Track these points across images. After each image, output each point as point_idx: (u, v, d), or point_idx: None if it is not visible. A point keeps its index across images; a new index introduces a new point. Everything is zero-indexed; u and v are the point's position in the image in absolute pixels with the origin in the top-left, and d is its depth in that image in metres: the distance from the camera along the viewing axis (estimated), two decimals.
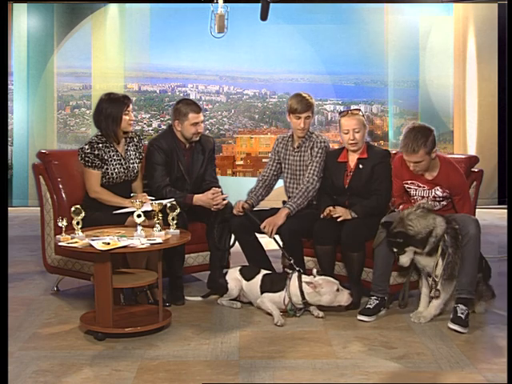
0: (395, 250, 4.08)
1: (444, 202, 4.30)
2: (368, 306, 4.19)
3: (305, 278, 4.24)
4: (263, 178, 4.91)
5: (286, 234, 4.53)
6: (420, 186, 4.30)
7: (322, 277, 4.22)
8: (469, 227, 4.06)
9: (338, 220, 4.39)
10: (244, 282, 4.40)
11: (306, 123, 4.71)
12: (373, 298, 4.21)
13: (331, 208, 4.42)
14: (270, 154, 4.97)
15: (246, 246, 4.68)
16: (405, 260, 4.08)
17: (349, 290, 4.19)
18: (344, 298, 4.17)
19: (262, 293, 4.32)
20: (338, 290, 4.17)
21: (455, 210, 4.30)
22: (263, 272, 4.42)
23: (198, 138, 4.78)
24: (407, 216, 4.06)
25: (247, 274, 4.43)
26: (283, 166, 4.88)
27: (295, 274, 4.25)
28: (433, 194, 4.28)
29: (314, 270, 4.29)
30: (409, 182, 4.34)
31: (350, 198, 4.47)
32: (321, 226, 4.46)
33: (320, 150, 4.70)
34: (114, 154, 4.52)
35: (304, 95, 4.76)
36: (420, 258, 4.11)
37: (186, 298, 4.55)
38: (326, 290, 4.16)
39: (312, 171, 4.68)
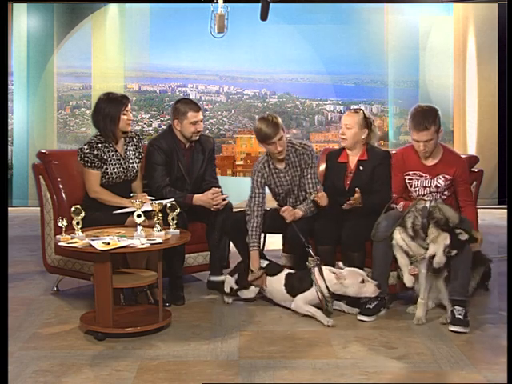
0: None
1: (447, 192, 4.30)
2: (368, 306, 4.18)
3: (330, 268, 4.22)
4: (258, 209, 4.58)
5: (301, 221, 4.48)
6: (422, 176, 4.30)
7: (349, 268, 4.20)
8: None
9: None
10: (267, 278, 4.42)
11: (282, 144, 4.49)
12: (373, 298, 4.20)
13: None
14: (254, 186, 4.62)
15: (239, 244, 4.67)
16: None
17: (375, 282, 4.15)
18: (370, 289, 4.13)
19: (288, 293, 4.30)
20: (363, 281, 4.13)
21: (457, 201, 4.32)
22: (286, 271, 4.42)
23: (197, 137, 4.78)
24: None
25: (271, 270, 4.45)
26: (273, 187, 4.69)
27: (316, 268, 4.24)
28: (435, 183, 4.28)
29: (341, 263, 4.26)
30: (410, 172, 4.33)
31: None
32: (321, 225, 4.46)
33: (313, 159, 4.62)
34: (113, 153, 4.52)
35: (268, 118, 4.48)
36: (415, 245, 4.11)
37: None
38: (349, 281, 4.14)
39: (313, 183, 4.60)
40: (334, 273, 4.15)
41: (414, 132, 4.22)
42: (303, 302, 4.23)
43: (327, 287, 4.17)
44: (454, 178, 4.26)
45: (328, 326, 4.04)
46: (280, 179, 4.66)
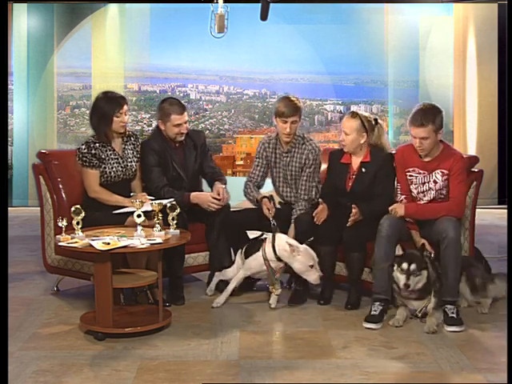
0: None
1: (445, 191, 4.27)
2: (373, 312, 4.08)
3: (289, 240, 4.30)
4: (251, 180, 4.86)
5: (305, 224, 4.51)
6: (420, 173, 4.31)
7: (308, 248, 4.27)
8: (448, 230, 4.06)
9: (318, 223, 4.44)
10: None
11: (292, 128, 4.65)
12: (376, 304, 4.12)
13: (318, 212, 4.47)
14: (256, 158, 4.89)
15: (237, 245, 4.70)
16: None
17: (321, 273, 4.24)
18: (313, 276, 4.24)
19: (245, 258, 4.48)
20: (312, 266, 4.22)
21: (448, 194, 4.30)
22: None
23: (182, 138, 4.74)
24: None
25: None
26: (273, 169, 4.83)
27: (270, 235, 4.35)
28: (433, 178, 4.27)
29: (311, 239, 4.34)
30: (410, 169, 4.33)
31: (353, 201, 4.43)
32: (323, 226, 4.45)
33: (315, 161, 4.69)
34: (111, 153, 4.52)
35: (292, 99, 4.69)
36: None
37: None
38: (300, 258, 4.22)
39: (307, 186, 4.68)
40: (291, 245, 4.22)
41: (411, 127, 4.25)
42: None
43: (275, 252, 4.26)
44: (449, 171, 4.26)
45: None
46: (280, 160, 4.77)
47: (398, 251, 4.12)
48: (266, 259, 4.33)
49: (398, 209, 4.23)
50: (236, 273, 4.54)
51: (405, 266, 4.04)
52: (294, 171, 4.74)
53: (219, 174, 4.87)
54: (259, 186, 4.91)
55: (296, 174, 4.75)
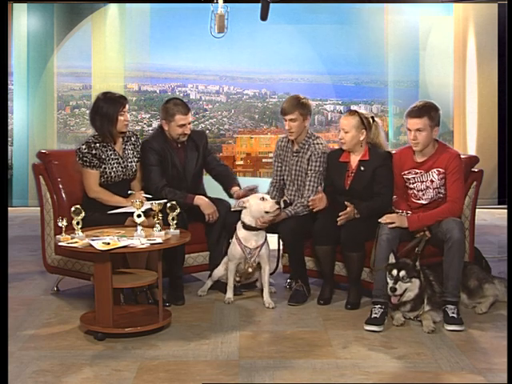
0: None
1: (443, 190, 4.29)
2: (374, 315, 4.05)
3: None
4: (273, 184, 4.91)
5: (288, 234, 4.53)
6: (417, 173, 4.31)
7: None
8: (453, 231, 4.08)
9: (314, 210, 4.49)
10: None
11: (292, 126, 4.64)
12: (377, 306, 4.09)
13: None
14: (273, 157, 4.94)
15: None
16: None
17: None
18: (268, 205, 4.45)
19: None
20: (263, 198, 4.47)
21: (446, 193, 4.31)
22: None
23: (185, 139, 4.75)
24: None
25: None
26: (284, 167, 4.84)
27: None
28: (430, 177, 4.28)
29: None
30: (406, 171, 4.35)
31: (351, 200, 4.44)
32: (320, 226, 4.46)
33: (318, 163, 4.65)
34: (111, 153, 4.52)
35: (300, 97, 4.69)
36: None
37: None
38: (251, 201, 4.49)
39: (311, 186, 4.65)
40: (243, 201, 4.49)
41: (407, 119, 4.29)
42: (231, 259, 4.52)
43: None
44: (445, 170, 4.26)
45: (224, 302, 4.46)
46: (291, 159, 4.77)
47: (391, 259, 4.10)
48: (237, 238, 4.46)
49: (400, 222, 4.21)
50: (223, 271, 4.63)
51: (394, 272, 4.03)
52: (300, 171, 4.72)
53: (231, 174, 4.99)
54: (282, 188, 4.89)
55: (301, 175, 4.72)
